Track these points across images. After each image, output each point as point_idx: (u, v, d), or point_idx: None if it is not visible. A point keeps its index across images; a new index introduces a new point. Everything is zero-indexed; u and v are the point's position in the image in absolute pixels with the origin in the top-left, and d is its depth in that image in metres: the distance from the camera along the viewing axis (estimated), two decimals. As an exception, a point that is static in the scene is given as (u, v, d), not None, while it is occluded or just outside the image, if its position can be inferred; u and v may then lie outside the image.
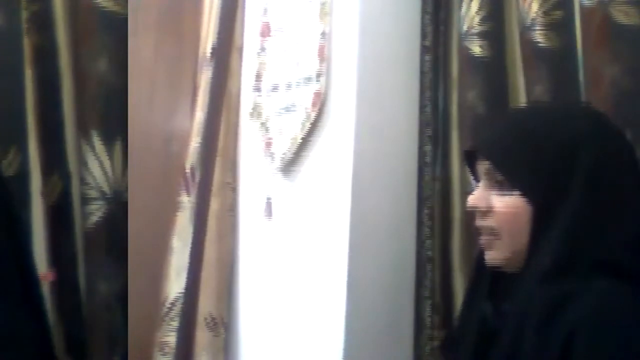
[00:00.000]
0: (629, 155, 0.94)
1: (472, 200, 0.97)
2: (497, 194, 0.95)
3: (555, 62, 1.21)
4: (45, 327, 1.06)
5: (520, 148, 0.93)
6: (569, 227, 0.88)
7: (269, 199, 1.69)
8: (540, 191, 0.91)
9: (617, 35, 1.11)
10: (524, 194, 0.92)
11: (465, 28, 1.37)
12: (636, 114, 1.10)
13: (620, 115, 1.08)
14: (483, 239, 0.98)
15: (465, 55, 1.37)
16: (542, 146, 0.91)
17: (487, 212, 0.95)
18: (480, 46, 1.34)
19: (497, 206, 0.94)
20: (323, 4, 1.56)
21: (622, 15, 1.11)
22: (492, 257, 0.97)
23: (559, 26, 1.22)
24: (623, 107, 1.11)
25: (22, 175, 1.46)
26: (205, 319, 1.77)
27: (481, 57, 1.34)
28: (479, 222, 0.97)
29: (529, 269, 0.91)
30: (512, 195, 0.93)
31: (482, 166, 0.97)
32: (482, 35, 1.34)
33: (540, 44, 1.23)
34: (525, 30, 1.25)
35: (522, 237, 0.92)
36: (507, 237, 0.94)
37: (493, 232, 0.95)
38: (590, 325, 0.81)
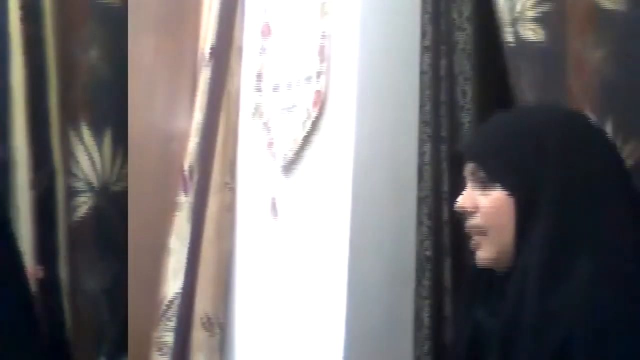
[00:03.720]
0: (602, 148, 0.98)
1: (459, 201, 1.02)
2: (481, 193, 0.99)
3: (541, 55, 1.22)
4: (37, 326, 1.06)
5: (498, 146, 0.99)
6: (551, 224, 0.91)
7: (273, 198, 1.69)
8: (518, 183, 0.95)
9: (602, 21, 1.11)
10: (504, 187, 0.96)
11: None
12: (617, 101, 1.10)
13: (603, 102, 1.10)
14: (472, 240, 1.01)
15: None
16: (515, 143, 0.97)
17: (474, 211, 1.00)
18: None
19: (482, 204, 0.99)
20: (323, 3, 1.56)
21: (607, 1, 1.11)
22: (482, 256, 1.00)
23: (546, 19, 1.22)
24: (606, 94, 1.12)
25: (9, 168, 1.44)
26: (201, 318, 1.77)
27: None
28: (467, 223, 1.01)
29: (517, 268, 0.93)
30: (494, 191, 0.97)
31: (468, 168, 1.02)
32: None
33: (527, 37, 1.23)
34: (512, 22, 1.25)
35: (508, 232, 0.96)
36: (493, 233, 0.98)
37: (481, 231, 1.00)
38: (585, 330, 0.82)
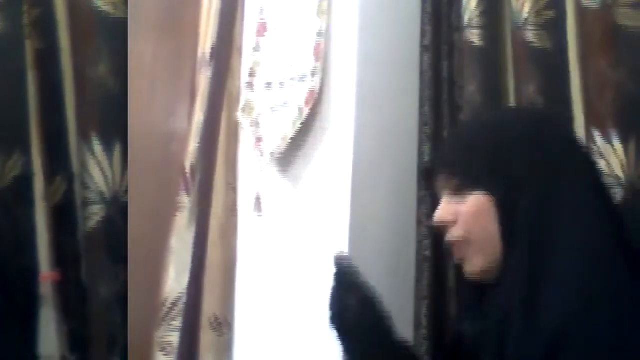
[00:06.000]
0: (569, 144, 0.99)
1: (438, 215, 1.00)
2: (459, 202, 0.98)
3: (546, 61, 1.22)
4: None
5: (469, 150, 0.99)
6: (532, 224, 0.91)
7: (258, 195, 1.70)
8: (495, 183, 0.95)
9: (621, 40, 1.12)
10: (483, 188, 0.96)
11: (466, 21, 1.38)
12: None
13: (624, 120, 1.10)
14: (457, 254, 1.00)
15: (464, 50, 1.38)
16: (486, 145, 0.97)
17: (454, 221, 0.98)
18: (478, 39, 1.35)
19: (462, 211, 0.97)
20: (320, 1, 1.56)
21: (626, 19, 1.11)
22: (470, 269, 0.99)
23: (551, 26, 1.23)
24: (627, 112, 1.12)
25: (26, 178, 1.48)
26: (209, 319, 1.77)
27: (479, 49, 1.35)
28: (449, 236, 1.00)
29: (505, 272, 0.93)
30: (472, 195, 0.96)
31: (441, 181, 1.02)
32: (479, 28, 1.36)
33: (533, 44, 1.23)
34: (518, 29, 1.25)
35: (492, 235, 0.95)
36: (477, 239, 0.97)
37: (465, 240, 0.98)
38: (577, 332, 0.82)
